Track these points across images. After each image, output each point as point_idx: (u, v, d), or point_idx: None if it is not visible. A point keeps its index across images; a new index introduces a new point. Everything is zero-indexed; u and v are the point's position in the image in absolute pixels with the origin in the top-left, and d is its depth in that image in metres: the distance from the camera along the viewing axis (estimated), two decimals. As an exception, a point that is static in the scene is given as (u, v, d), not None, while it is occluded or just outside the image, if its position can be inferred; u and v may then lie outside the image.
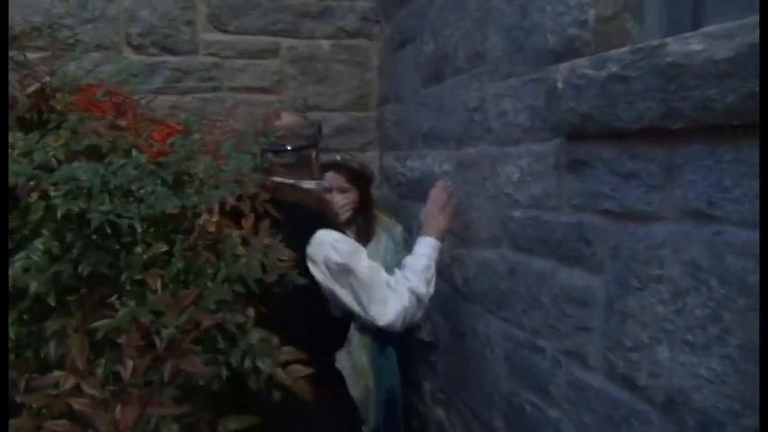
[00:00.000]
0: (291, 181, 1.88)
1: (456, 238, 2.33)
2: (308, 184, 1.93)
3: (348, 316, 1.87)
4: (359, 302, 1.79)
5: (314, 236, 1.77)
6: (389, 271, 1.92)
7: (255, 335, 1.30)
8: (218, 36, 3.37)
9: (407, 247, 2.61)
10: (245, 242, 1.41)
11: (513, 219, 1.81)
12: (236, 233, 1.40)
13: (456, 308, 2.36)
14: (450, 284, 2.41)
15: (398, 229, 2.84)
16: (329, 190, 2.60)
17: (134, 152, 1.35)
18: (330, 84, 3.53)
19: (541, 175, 1.64)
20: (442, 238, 2.04)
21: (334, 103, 3.54)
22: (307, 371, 1.28)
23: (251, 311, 1.34)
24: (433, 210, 2.09)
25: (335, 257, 1.74)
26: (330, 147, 3.48)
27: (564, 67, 1.40)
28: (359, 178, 2.82)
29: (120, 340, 1.05)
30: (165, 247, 1.31)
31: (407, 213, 2.96)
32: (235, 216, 1.50)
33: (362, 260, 1.81)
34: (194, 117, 1.47)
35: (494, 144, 1.96)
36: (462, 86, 2.23)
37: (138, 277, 1.24)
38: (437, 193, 2.12)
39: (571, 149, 1.46)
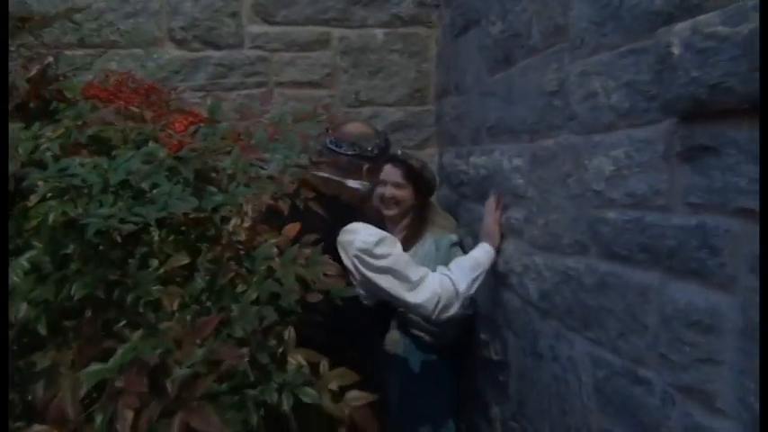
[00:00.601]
0: (337, 178, 1.98)
1: (530, 244, 2.04)
2: (354, 183, 2.03)
3: (382, 306, 1.97)
4: (390, 284, 1.88)
5: (347, 225, 1.87)
6: None
7: (293, 361, 1.07)
8: (264, 28, 3.19)
9: (451, 258, 2.38)
10: (283, 252, 1.19)
11: (606, 221, 1.52)
12: (272, 241, 1.17)
13: (530, 324, 2.07)
14: (523, 297, 2.12)
15: (448, 238, 2.59)
16: (384, 183, 2.57)
17: (151, 145, 1.14)
18: (384, 76, 3.29)
19: (645, 167, 1.34)
20: (496, 247, 2.26)
21: (388, 97, 3.31)
22: (367, 397, 1.04)
23: (290, 332, 1.10)
24: (489, 221, 2.28)
25: (367, 240, 1.85)
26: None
27: (682, 27, 1.10)
28: (416, 176, 2.63)
29: (118, 383, 0.83)
30: (186, 259, 1.09)
31: (470, 216, 2.69)
32: (274, 219, 1.28)
33: (396, 247, 1.94)
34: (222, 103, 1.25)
35: (578, 132, 1.67)
36: (537, 69, 1.95)
37: (151, 298, 1.02)
38: (490, 204, 2.31)
39: (690, 133, 1.17)
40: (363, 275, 1.86)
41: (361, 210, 1.94)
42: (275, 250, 1.17)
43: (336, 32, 3.24)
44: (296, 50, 3.21)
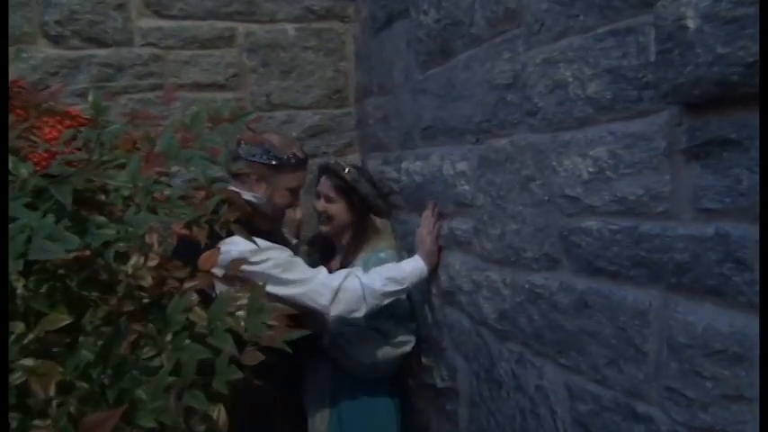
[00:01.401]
0: (235, 189, 1.83)
1: (481, 258, 1.84)
2: (248, 196, 2.00)
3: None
4: (275, 287, 1.83)
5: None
6: None
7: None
8: (157, 22, 2.82)
9: None
10: (204, 299, 0.89)
11: (584, 231, 1.32)
12: (189, 284, 0.88)
13: (484, 348, 1.86)
14: (474, 317, 1.91)
15: (377, 255, 2.35)
16: (318, 195, 2.41)
17: (11, 160, 0.82)
18: (298, 76, 3.01)
19: (638, 168, 1.15)
20: (431, 264, 2.15)
21: (303, 100, 3.02)
22: None
23: (220, 412, 0.81)
24: (424, 233, 2.15)
25: (244, 249, 1.62)
26: (302, 151, 2.96)
27: (696, -5, 0.92)
28: (348, 190, 2.37)
29: None
30: (67, 319, 0.78)
31: (403, 228, 2.46)
32: (188, 252, 0.99)
33: (277, 252, 1.95)
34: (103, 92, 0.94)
35: (541, 130, 1.48)
36: (483, 60, 1.75)
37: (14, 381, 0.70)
38: (426, 215, 2.15)
39: (703, 124, 0.98)
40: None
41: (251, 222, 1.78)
42: (195, 297, 0.87)
43: (242, 28, 2.91)
44: (196, 48, 2.85)
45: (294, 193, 2.25)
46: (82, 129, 0.86)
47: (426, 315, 2.29)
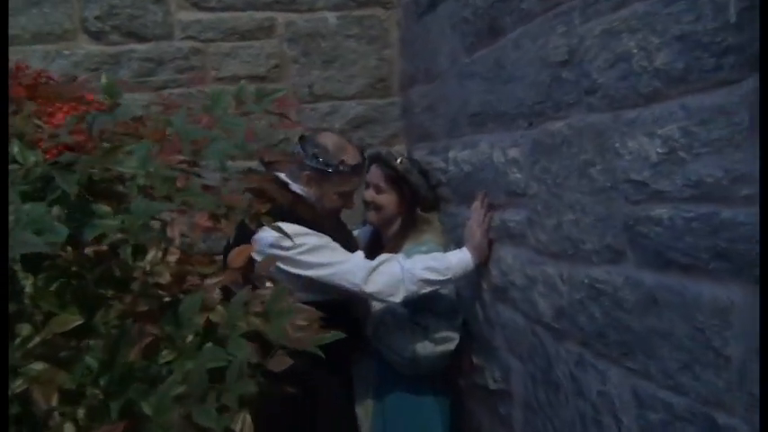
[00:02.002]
0: (284, 178, 2.02)
1: (536, 251, 1.72)
2: (296, 187, 2.05)
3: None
4: (309, 267, 1.92)
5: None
6: None
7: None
8: (197, 14, 2.80)
9: None
10: (227, 295, 0.82)
11: (653, 220, 1.19)
12: (211, 282, 0.80)
13: (540, 348, 1.74)
14: (529, 315, 1.79)
15: (418, 249, 2.26)
16: (367, 185, 2.34)
17: (16, 146, 0.76)
18: (341, 66, 2.94)
19: (719, 146, 1.02)
20: (480, 258, 2.05)
21: (347, 90, 2.95)
22: None
23: (245, 419, 0.74)
24: (473, 225, 2.06)
25: (277, 237, 1.67)
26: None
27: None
28: (399, 180, 2.29)
29: None
30: (78, 320, 0.72)
31: (452, 222, 2.36)
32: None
33: (313, 237, 1.95)
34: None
35: (602, 109, 1.35)
36: (535, 37, 1.63)
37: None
38: (476, 206, 2.06)
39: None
40: (287, 272, 1.88)
41: (294, 211, 1.84)
42: (218, 294, 0.79)
43: (281, 17, 2.86)
44: (236, 39, 2.82)
45: (346, 196, 2.18)
46: (92, 112, 0.79)
47: (477, 312, 2.18)
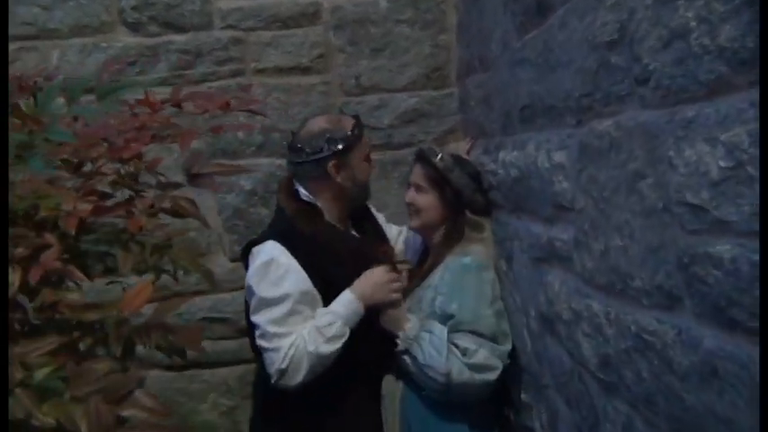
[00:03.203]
0: (295, 184, 1.98)
1: (582, 279, 1.41)
2: (304, 195, 1.95)
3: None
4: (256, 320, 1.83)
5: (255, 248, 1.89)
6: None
7: None
8: (237, 2, 2.65)
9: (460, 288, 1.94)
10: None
11: (714, 259, 0.87)
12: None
13: (587, 396, 1.43)
14: (574, 356, 1.48)
15: (459, 261, 1.99)
16: (408, 185, 2.15)
17: None
18: (391, 54, 2.69)
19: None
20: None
21: (398, 81, 2.70)
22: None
23: None
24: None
25: (255, 268, 1.84)
26: (392, 142, 2.66)
27: None
28: (440, 180, 2.04)
29: None
30: None
31: (503, 232, 2.05)
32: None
33: (277, 286, 1.81)
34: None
35: (654, 104, 1.03)
36: (582, 12, 1.31)
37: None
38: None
39: None
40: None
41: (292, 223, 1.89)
42: None
43: (327, 2, 2.65)
44: (277, 28, 2.64)
45: (369, 158, 2.05)
46: None
47: (525, 341, 1.88)
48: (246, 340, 2.02)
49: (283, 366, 1.76)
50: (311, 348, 1.76)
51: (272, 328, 1.78)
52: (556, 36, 1.48)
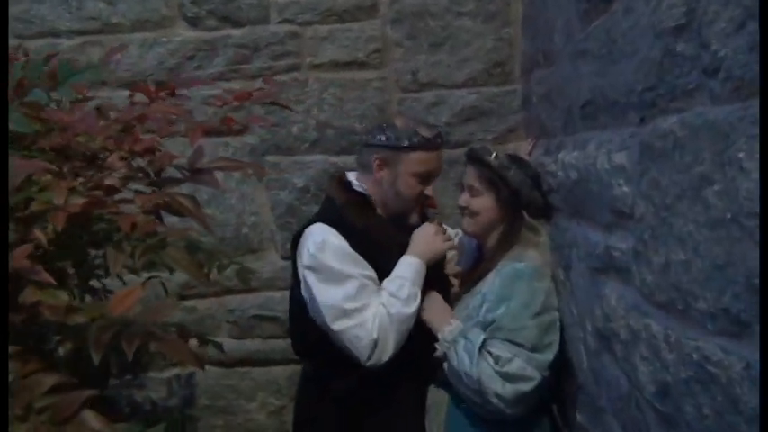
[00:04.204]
0: (349, 177, 1.94)
1: (641, 294, 1.26)
2: (357, 185, 1.91)
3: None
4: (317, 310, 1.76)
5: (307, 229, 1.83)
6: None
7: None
8: (295, -5, 2.59)
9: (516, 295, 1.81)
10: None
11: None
12: None
13: (644, 426, 1.28)
14: (631, 380, 1.33)
15: (512, 266, 1.87)
16: (462, 187, 2.02)
17: None
18: (451, 48, 2.58)
19: None
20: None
21: (457, 76, 2.59)
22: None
23: None
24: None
25: (311, 249, 1.76)
26: (450, 141, 2.54)
27: None
28: (495, 179, 1.91)
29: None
30: None
31: (561, 238, 1.91)
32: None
33: (342, 263, 1.76)
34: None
35: (724, 98, 0.89)
36: (648, -5, 1.17)
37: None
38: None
39: None
40: (307, 291, 1.82)
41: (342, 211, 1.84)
42: None
43: (385, -5, 2.57)
44: (334, 21, 2.58)
45: (424, 179, 1.89)
46: None
47: (582, 357, 1.74)
48: None
49: (375, 336, 1.71)
50: (394, 311, 1.74)
51: (350, 304, 1.73)
52: (620, 23, 1.34)
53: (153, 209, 0.83)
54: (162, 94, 1.10)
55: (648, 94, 1.19)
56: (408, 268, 1.82)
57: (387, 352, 1.74)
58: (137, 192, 0.84)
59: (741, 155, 0.83)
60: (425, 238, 1.88)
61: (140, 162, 0.93)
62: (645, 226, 1.22)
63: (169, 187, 0.90)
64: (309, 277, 1.77)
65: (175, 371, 2.77)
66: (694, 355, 1.00)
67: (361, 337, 1.71)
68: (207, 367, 2.75)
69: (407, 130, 1.84)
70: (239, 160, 1.10)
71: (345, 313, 1.73)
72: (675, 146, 1.06)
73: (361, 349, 1.72)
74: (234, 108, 2.47)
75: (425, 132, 1.86)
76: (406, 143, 1.83)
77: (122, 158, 0.91)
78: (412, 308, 1.78)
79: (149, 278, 1.72)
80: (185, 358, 0.78)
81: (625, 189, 1.33)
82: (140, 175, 0.92)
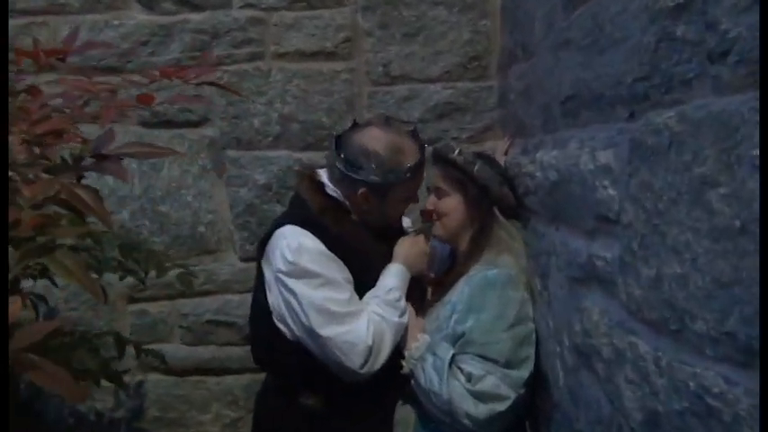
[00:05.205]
0: (321, 177, 1.80)
1: (627, 310, 1.14)
2: (330, 190, 1.77)
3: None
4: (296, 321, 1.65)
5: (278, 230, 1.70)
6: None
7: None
8: (258, -22, 2.44)
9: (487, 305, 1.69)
10: None
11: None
12: None
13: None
14: (614, 404, 1.21)
15: (483, 274, 1.74)
16: (428, 189, 1.91)
17: None
18: (425, 40, 2.45)
19: None
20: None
21: (431, 70, 2.46)
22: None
23: None
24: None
25: (287, 254, 1.64)
26: (423, 138, 2.40)
27: None
28: (461, 177, 1.80)
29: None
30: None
31: (538, 245, 1.79)
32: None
33: (329, 269, 1.66)
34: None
35: (733, 87, 0.77)
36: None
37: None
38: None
39: None
40: (276, 302, 1.70)
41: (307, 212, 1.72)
42: None
43: (357, -19, 2.43)
44: (301, 8, 2.43)
45: (412, 197, 1.85)
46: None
47: (557, 374, 1.61)
48: None
49: (369, 343, 1.62)
50: (392, 319, 1.68)
51: (340, 309, 1.63)
52: (608, 8, 1.21)
53: (43, 202, 0.68)
54: (52, 59, 0.95)
55: (640, 84, 1.06)
56: (397, 277, 1.76)
57: (379, 361, 1.64)
58: (26, 181, 0.69)
59: (754, 151, 0.71)
60: (420, 252, 1.83)
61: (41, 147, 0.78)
62: (633, 233, 1.10)
63: (67, 176, 0.75)
64: (289, 283, 1.64)
65: (124, 379, 2.58)
66: (690, 384, 0.87)
67: (355, 343, 1.61)
68: (157, 376, 2.58)
69: (394, 161, 1.72)
70: (155, 145, 0.95)
71: (336, 318, 1.61)
72: (672, 143, 0.94)
73: (354, 356, 1.61)
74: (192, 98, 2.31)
75: (412, 159, 1.75)
76: (393, 179, 1.72)
77: (25, 141, 0.76)
78: (406, 319, 1.73)
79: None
80: (67, 393, 0.64)
81: (611, 192, 1.21)
82: (43, 161, 0.78)
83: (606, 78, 1.24)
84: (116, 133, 0.84)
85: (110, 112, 0.82)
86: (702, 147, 0.84)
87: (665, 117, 0.96)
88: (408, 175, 1.74)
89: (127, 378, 2.59)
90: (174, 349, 2.55)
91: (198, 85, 1.14)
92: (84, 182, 2.47)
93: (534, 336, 1.74)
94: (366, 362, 1.61)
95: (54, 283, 1.83)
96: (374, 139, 1.71)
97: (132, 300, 2.54)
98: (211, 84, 1.18)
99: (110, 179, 2.50)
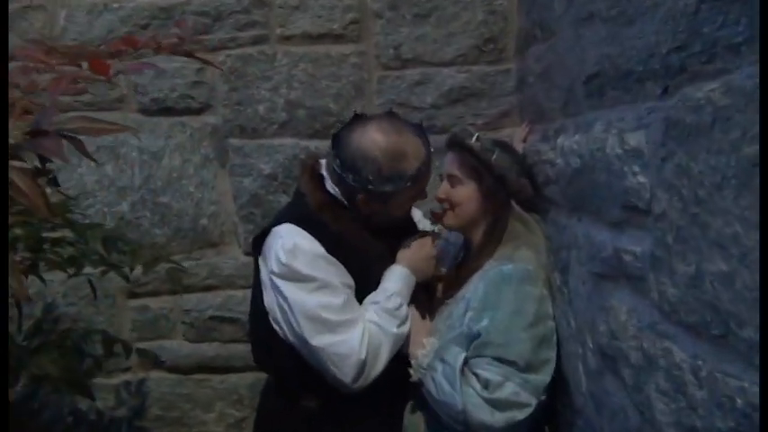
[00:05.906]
0: (323, 170, 1.71)
1: (659, 311, 1.02)
2: (329, 185, 1.68)
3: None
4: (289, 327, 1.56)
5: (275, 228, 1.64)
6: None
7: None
8: (263, -43, 2.34)
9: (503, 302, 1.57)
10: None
11: None
12: None
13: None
14: (645, 415, 1.09)
15: (498, 269, 1.63)
16: (441, 177, 1.79)
17: None
18: (437, 21, 2.34)
19: None
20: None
21: (444, 53, 2.35)
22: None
23: None
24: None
25: (281, 256, 1.55)
26: (435, 125, 2.30)
27: None
28: (478, 165, 1.70)
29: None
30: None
31: (558, 238, 1.67)
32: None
33: (325, 273, 1.56)
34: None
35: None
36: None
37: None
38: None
39: None
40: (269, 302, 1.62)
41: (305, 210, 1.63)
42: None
43: (365, -42, 2.32)
44: (308, -11, 2.32)
45: (418, 197, 1.74)
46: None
47: (580, 378, 1.50)
48: None
49: (363, 356, 1.52)
50: (393, 330, 1.58)
51: (334, 317, 1.52)
52: (637, -26, 1.09)
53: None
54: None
55: (675, 55, 0.94)
56: (401, 281, 1.66)
57: (375, 371, 1.55)
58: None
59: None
60: (426, 257, 1.73)
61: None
62: (667, 225, 0.98)
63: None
64: (282, 286, 1.55)
65: (125, 377, 2.52)
66: (738, 400, 0.76)
67: (348, 355, 1.51)
68: (160, 374, 2.51)
69: (393, 168, 1.59)
70: (103, 120, 0.85)
71: (328, 327, 1.52)
72: (715, 120, 0.81)
73: (345, 369, 1.52)
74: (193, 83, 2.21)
75: (413, 164, 1.62)
76: (392, 189, 1.61)
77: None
78: (407, 328, 1.63)
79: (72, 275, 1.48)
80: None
81: (641, 178, 1.09)
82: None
83: (635, 52, 1.12)
84: (57, 112, 0.74)
85: (59, 82, 0.73)
86: (754, 122, 0.72)
87: (706, 90, 0.84)
88: (409, 184, 1.62)
89: (128, 376, 2.53)
90: (177, 346, 2.47)
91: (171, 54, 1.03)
92: (81, 170, 2.35)
93: (555, 336, 1.62)
94: (359, 375, 1.52)
95: (42, 280, 1.75)
96: (372, 143, 1.59)
97: (133, 295, 2.46)
98: (186, 54, 1.08)
99: (109, 168, 2.43)
